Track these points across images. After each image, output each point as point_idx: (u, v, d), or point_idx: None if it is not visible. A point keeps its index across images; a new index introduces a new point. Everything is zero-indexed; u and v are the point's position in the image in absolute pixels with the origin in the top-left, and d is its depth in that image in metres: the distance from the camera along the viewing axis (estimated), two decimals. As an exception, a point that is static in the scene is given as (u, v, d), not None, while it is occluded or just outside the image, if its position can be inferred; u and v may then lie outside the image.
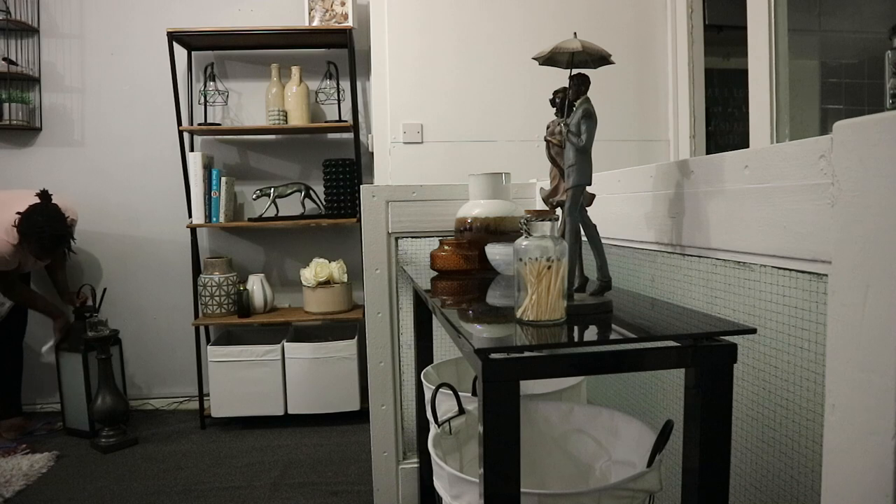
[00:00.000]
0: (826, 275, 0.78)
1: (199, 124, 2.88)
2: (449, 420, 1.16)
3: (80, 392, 2.68)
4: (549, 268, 0.83)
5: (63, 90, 3.00)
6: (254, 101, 3.03)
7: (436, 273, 1.50)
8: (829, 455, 0.71)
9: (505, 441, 0.74)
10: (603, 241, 1.01)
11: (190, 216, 2.82)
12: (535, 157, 2.46)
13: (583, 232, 1.00)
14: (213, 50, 2.99)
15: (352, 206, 2.86)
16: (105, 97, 3.01)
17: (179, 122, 2.79)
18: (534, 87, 2.56)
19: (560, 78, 1.02)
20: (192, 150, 2.99)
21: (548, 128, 1.12)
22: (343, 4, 2.81)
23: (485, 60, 2.59)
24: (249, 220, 2.92)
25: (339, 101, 2.93)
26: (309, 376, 2.75)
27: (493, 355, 0.74)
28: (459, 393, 1.19)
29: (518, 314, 0.86)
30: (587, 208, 1.01)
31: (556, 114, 1.11)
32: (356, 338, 2.78)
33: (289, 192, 2.88)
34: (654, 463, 0.90)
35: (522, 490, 0.78)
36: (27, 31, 2.93)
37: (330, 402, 2.76)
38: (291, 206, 2.95)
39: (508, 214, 1.55)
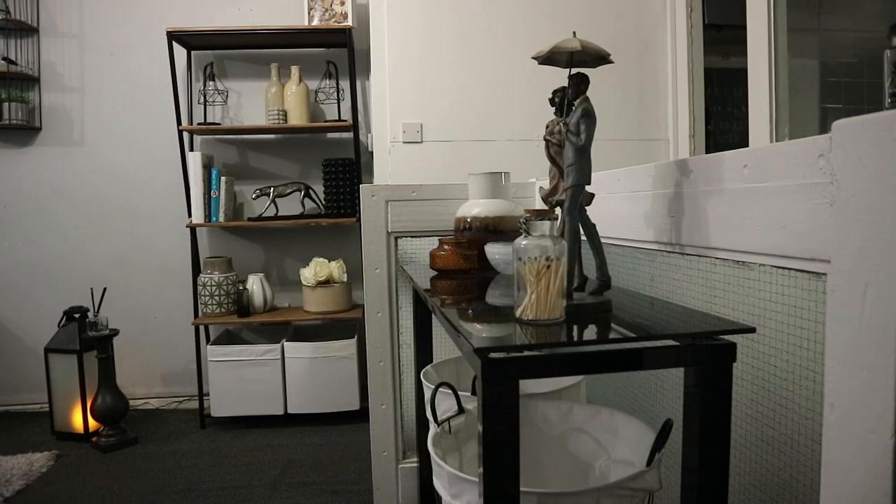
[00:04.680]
0: (825, 274, 0.78)
1: (199, 124, 2.88)
2: (448, 419, 1.16)
3: (72, 394, 2.65)
4: (549, 267, 0.83)
5: (63, 90, 3.00)
6: (253, 101, 3.03)
7: (435, 272, 1.51)
8: (828, 454, 0.72)
9: (504, 440, 0.74)
10: (602, 240, 1.01)
11: (189, 216, 2.82)
12: (535, 157, 2.46)
13: (582, 231, 1.00)
14: (212, 49, 2.99)
15: (351, 205, 2.86)
16: (105, 97, 3.01)
17: (179, 122, 2.79)
18: (533, 87, 2.56)
19: (559, 77, 1.02)
20: (191, 149, 2.99)
21: (547, 127, 1.12)
22: (342, 4, 2.80)
23: (484, 60, 2.59)
24: (249, 219, 2.92)
25: (338, 100, 2.93)
26: (309, 376, 2.75)
27: (493, 354, 0.74)
28: (459, 392, 1.19)
29: (517, 313, 0.86)
30: (586, 207, 1.01)
31: (556, 113, 1.10)
32: (356, 337, 2.78)
33: (288, 191, 2.88)
34: (654, 462, 0.90)
35: (522, 489, 0.78)
36: (27, 30, 2.93)
37: (330, 402, 2.76)
38: (291, 205, 2.95)
39: (508, 214, 1.55)
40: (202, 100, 2.95)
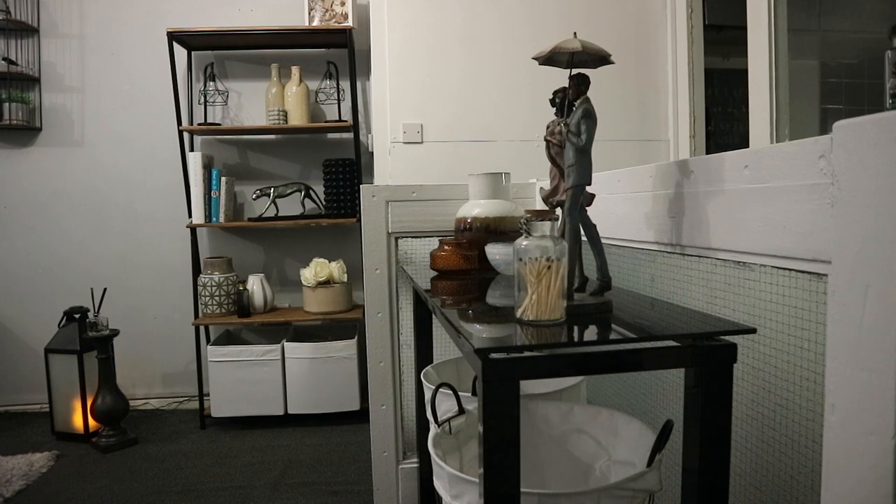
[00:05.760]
0: (826, 275, 0.78)
1: (199, 124, 2.88)
2: (449, 420, 1.16)
3: (72, 394, 2.66)
4: (549, 267, 0.83)
5: (63, 90, 3.00)
6: (254, 101, 3.03)
7: (436, 273, 1.50)
8: (829, 455, 0.71)
9: (505, 441, 0.74)
10: (603, 240, 1.01)
11: (190, 216, 2.82)
12: (535, 157, 2.46)
13: (583, 232, 1.00)
14: (213, 50, 2.99)
15: (352, 205, 2.86)
16: (105, 97, 3.01)
17: (179, 122, 2.79)
18: (534, 87, 2.55)
19: (560, 78, 1.02)
20: (192, 149, 2.99)
21: (548, 128, 1.12)
22: (343, 4, 2.81)
23: (485, 60, 2.59)
24: (249, 219, 2.92)
25: (338, 100, 2.93)
26: (309, 376, 2.75)
27: (493, 355, 0.74)
28: (459, 393, 1.19)
29: (518, 314, 0.86)
30: (587, 208, 1.01)
31: (556, 114, 1.11)
32: (356, 337, 2.78)
33: (289, 191, 2.88)
34: (654, 463, 0.90)
35: (522, 490, 0.78)
36: (27, 31, 2.93)
37: (330, 402, 2.76)
38: (291, 206, 2.95)
39: (508, 214, 1.55)
40: (202, 100, 2.95)
